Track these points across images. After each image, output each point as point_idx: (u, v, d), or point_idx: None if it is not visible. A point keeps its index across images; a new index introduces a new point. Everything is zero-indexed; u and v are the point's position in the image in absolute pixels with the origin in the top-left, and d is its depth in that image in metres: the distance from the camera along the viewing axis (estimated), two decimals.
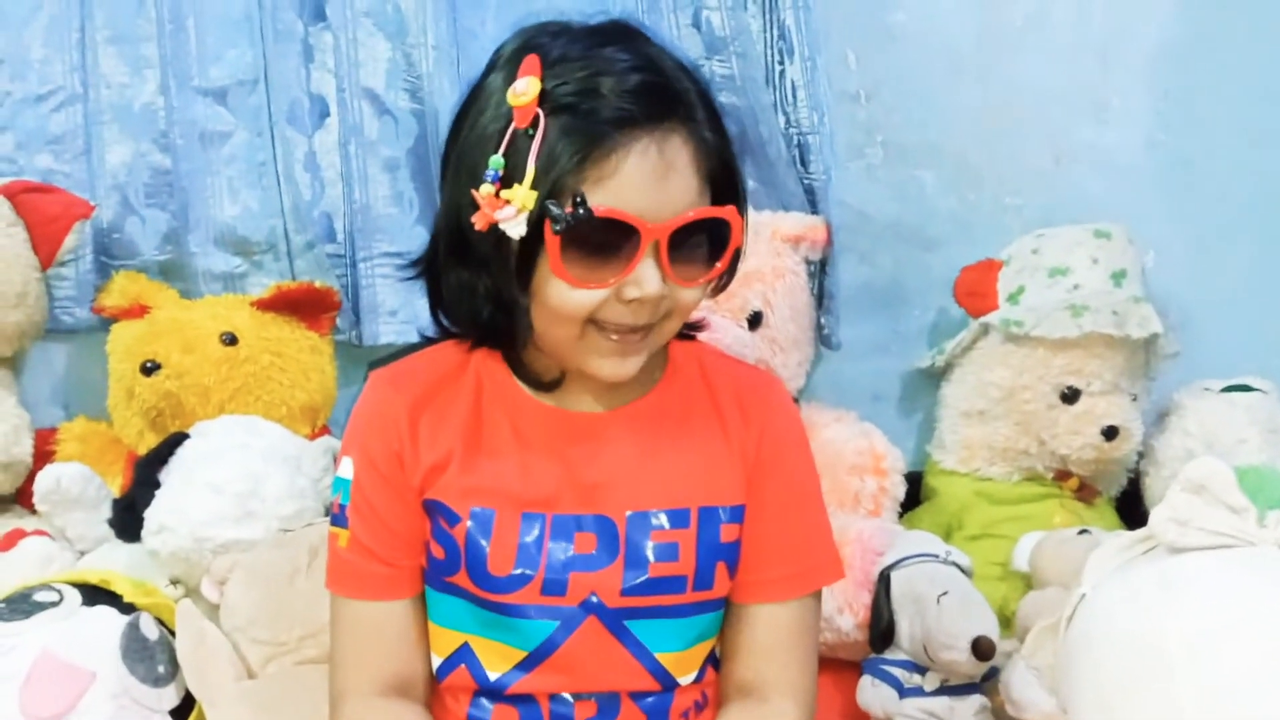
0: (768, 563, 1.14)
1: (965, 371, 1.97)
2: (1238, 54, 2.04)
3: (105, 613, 1.41)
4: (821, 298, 2.01)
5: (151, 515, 1.54)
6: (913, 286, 2.10)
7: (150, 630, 1.41)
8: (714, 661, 1.18)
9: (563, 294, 1.00)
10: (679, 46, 1.61)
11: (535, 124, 0.97)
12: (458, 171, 1.03)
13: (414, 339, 1.24)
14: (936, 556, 1.59)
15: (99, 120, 1.89)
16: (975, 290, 1.95)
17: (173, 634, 1.43)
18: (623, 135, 0.97)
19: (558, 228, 0.96)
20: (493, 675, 1.11)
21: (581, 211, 0.95)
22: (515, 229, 0.97)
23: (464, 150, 1.03)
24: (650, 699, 1.13)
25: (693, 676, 1.14)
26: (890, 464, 1.85)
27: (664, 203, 0.98)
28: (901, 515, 1.91)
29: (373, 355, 1.86)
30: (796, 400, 1.92)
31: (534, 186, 0.96)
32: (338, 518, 1.13)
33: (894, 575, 1.57)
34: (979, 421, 1.95)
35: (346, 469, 1.12)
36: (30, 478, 1.69)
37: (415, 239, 1.91)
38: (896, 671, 1.54)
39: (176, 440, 1.62)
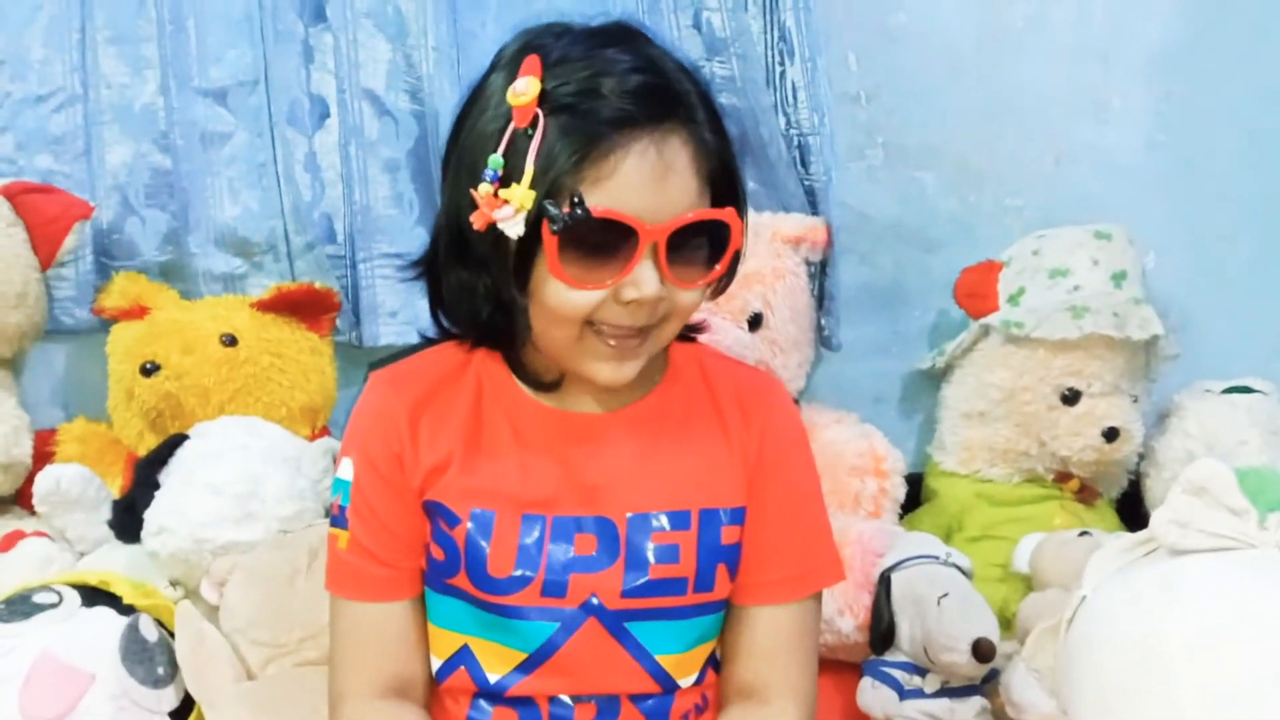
0: (768, 565, 1.14)
1: (966, 373, 1.97)
2: (1238, 55, 2.04)
3: (105, 614, 1.41)
4: (822, 299, 2.00)
5: (151, 516, 1.54)
6: (913, 288, 2.10)
7: (150, 632, 1.41)
8: (714, 664, 1.18)
9: (560, 294, 1.00)
10: (680, 48, 1.62)
11: (534, 124, 0.97)
12: (458, 171, 1.03)
13: (414, 340, 1.24)
14: (937, 558, 1.59)
15: (99, 121, 1.89)
16: (976, 291, 1.95)
17: (172, 635, 1.43)
18: (622, 136, 0.97)
19: (555, 228, 0.96)
20: (492, 677, 1.11)
21: (579, 212, 0.95)
22: (513, 229, 0.97)
23: (464, 150, 1.03)
24: (650, 701, 1.13)
25: (693, 679, 1.14)
26: (890, 465, 1.85)
27: (663, 204, 0.98)
28: (902, 517, 1.91)
29: (373, 356, 1.86)
30: (797, 401, 1.92)
31: (532, 186, 0.96)
32: (337, 519, 1.13)
33: (894, 577, 1.57)
34: (979, 423, 1.95)
35: (346, 470, 1.12)
36: (30, 479, 1.69)
37: (415, 240, 1.90)
38: (897, 673, 1.53)
39: (176, 441, 1.62)
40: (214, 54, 1.88)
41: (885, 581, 1.58)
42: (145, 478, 1.58)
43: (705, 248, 1.03)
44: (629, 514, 1.10)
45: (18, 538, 1.64)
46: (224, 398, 1.77)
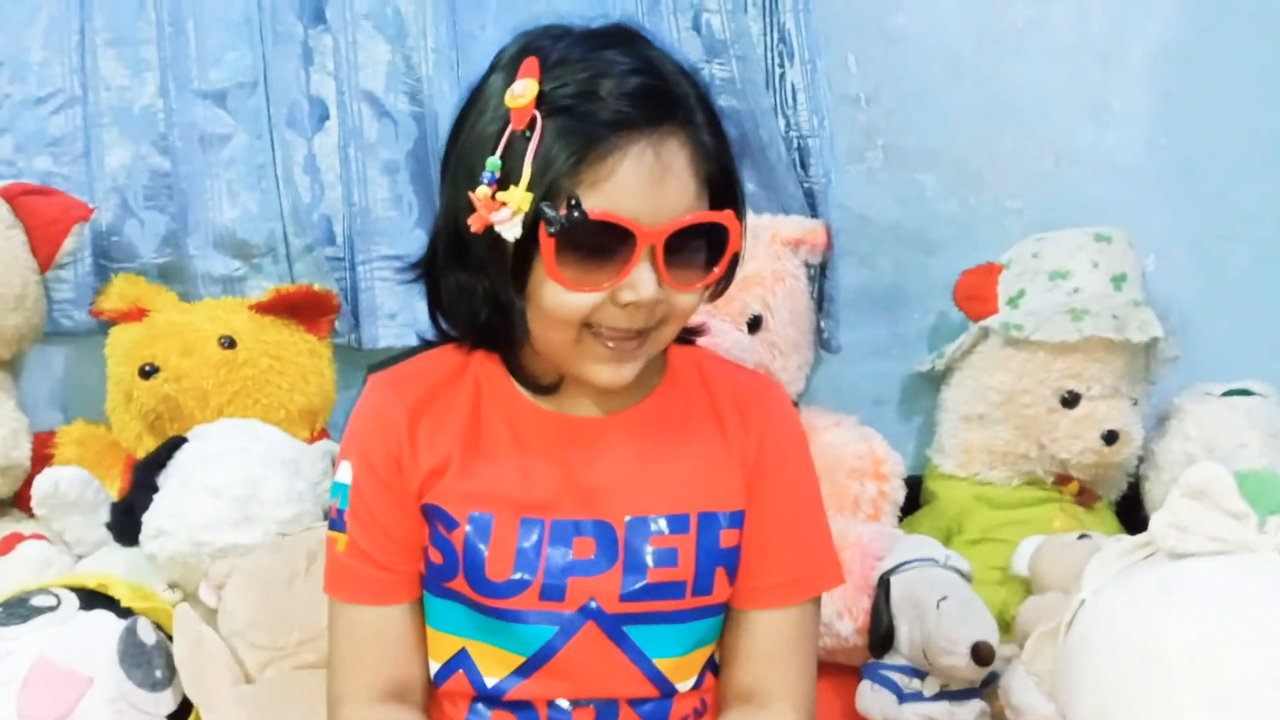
0: (768, 568, 1.14)
1: (965, 375, 1.96)
2: (1238, 56, 2.04)
3: (103, 617, 1.41)
4: (821, 301, 2.00)
5: (149, 519, 1.53)
6: (913, 290, 2.09)
7: (148, 635, 1.41)
8: (713, 667, 1.18)
9: (557, 297, 1.00)
10: (679, 50, 1.62)
11: (532, 126, 0.97)
12: (456, 173, 1.03)
13: (413, 342, 1.24)
14: (936, 561, 1.59)
15: (98, 123, 1.89)
16: (975, 294, 1.95)
17: (170, 638, 1.43)
18: (619, 138, 0.96)
19: (552, 230, 0.96)
20: (490, 681, 1.11)
21: (576, 214, 0.95)
22: (510, 231, 0.97)
23: (462, 152, 1.03)
24: (649, 705, 1.12)
25: (691, 683, 1.14)
26: (890, 468, 1.85)
27: (660, 206, 0.98)
28: (901, 519, 1.91)
29: (372, 358, 1.85)
30: (796, 404, 1.92)
31: (529, 188, 0.96)
32: (336, 522, 1.12)
33: (893, 580, 1.57)
34: (979, 425, 1.95)
35: (345, 473, 1.12)
36: (28, 481, 1.69)
37: (414, 242, 1.90)
38: (896, 676, 1.53)
39: (175, 444, 1.61)
40: (213, 56, 1.89)
41: (884, 584, 1.57)
42: (144, 480, 1.58)
43: (703, 250, 1.03)
44: (627, 517, 1.10)
45: (16, 540, 1.64)
46: (223, 400, 1.77)
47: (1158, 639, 1.10)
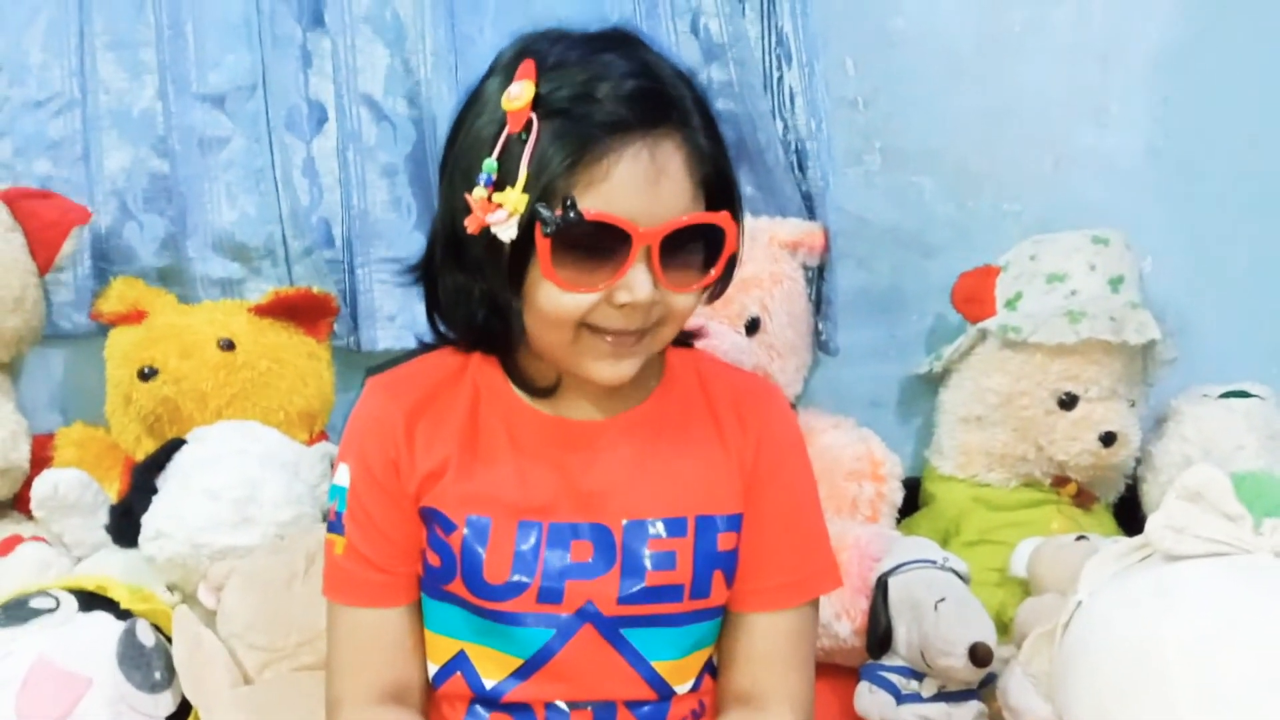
0: (766, 571, 1.14)
1: (963, 377, 1.97)
2: (1237, 59, 2.04)
3: (102, 619, 1.41)
4: (819, 303, 2.01)
5: (148, 521, 1.54)
6: (911, 292, 2.10)
7: (147, 636, 1.41)
8: (711, 670, 1.18)
9: (553, 297, 1.00)
10: (677, 53, 1.62)
11: (528, 128, 0.97)
12: (453, 175, 1.04)
13: (412, 344, 1.24)
14: (934, 562, 1.59)
15: (97, 126, 1.89)
16: (973, 296, 1.95)
17: (169, 640, 1.43)
18: (615, 140, 0.97)
19: (547, 230, 0.96)
20: (488, 683, 1.11)
21: (572, 214, 0.96)
22: (506, 232, 0.98)
23: (459, 154, 1.03)
24: (647, 708, 1.13)
25: (689, 685, 1.14)
26: (888, 470, 1.85)
27: (656, 207, 0.98)
28: (899, 521, 1.91)
29: (370, 361, 1.85)
30: (794, 406, 1.92)
31: (525, 190, 0.96)
32: (334, 525, 1.13)
33: (891, 581, 1.57)
34: (977, 427, 1.95)
35: (343, 476, 1.12)
36: (27, 483, 1.69)
37: (413, 244, 1.90)
38: (894, 678, 1.53)
39: (174, 446, 1.62)
40: (212, 59, 1.89)
41: (882, 586, 1.57)
42: (143, 482, 1.58)
43: (700, 252, 1.03)
44: (625, 520, 1.10)
45: (15, 542, 1.64)
46: (221, 402, 1.77)
47: (1154, 640, 1.10)
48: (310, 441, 1.79)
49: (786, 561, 1.15)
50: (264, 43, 1.88)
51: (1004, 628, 1.60)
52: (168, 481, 1.58)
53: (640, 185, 0.97)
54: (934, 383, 2.05)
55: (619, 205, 0.97)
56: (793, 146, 1.96)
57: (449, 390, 1.13)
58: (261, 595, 1.46)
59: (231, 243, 1.91)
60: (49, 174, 1.89)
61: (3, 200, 1.80)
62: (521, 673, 1.10)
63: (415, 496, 1.10)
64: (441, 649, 1.13)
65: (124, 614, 1.42)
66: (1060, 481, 1.94)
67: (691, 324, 1.14)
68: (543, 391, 1.12)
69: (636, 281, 0.99)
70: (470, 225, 0.99)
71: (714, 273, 1.04)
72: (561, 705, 1.11)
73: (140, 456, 1.72)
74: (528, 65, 0.99)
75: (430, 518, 1.10)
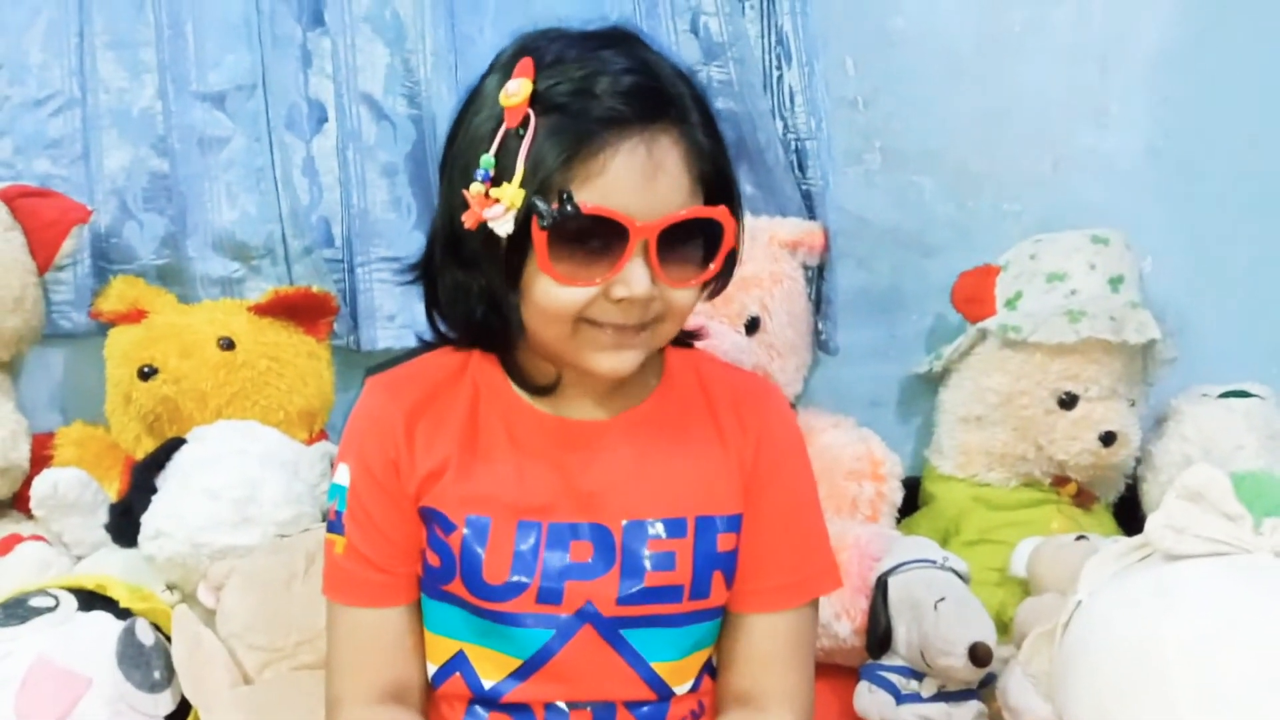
0: (765, 572, 1.14)
1: (963, 377, 1.97)
2: (1237, 60, 2.04)
3: (101, 618, 1.41)
4: (819, 303, 2.01)
5: (148, 520, 1.53)
6: (911, 292, 2.10)
7: (146, 636, 1.41)
8: (710, 670, 1.18)
9: (550, 292, 1.00)
10: (677, 52, 1.62)
11: (526, 124, 0.97)
12: (452, 172, 1.04)
13: (412, 344, 1.24)
14: (934, 562, 1.59)
15: (97, 125, 1.89)
16: (973, 296, 1.95)
17: (169, 639, 1.43)
18: (611, 134, 0.97)
19: (544, 224, 0.96)
20: (488, 684, 1.11)
21: (568, 208, 0.96)
22: (503, 227, 0.98)
23: (458, 151, 1.04)
24: (646, 708, 1.12)
25: (689, 686, 1.14)
26: (888, 469, 1.85)
27: (653, 202, 0.98)
28: (899, 521, 1.91)
29: (370, 360, 1.85)
30: (794, 405, 1.92)
31: (522, 185, 0.97)
32: (334, 525, 1.12)
33: (891, 581, 1.57)
34: (977, 427, 1.95)
35: (343, 476, 1.12)
36: (27, 483, 1.69)
37: (413, 244, 1.90)
38: (893, 678, 1.53)
39: (173, 445, 1.62)
40: (212, 58, 1.89)
41: (882, 586, 1.57)
42: (142, 482, 1.58)
43: (698, 248, 1.03)
44: (625, 521, 1.10)
45: (15, 541, 1.64)
46: (221, 401, 1.77)
47: (1154, 640, 1.10)
48: (310, 441, 1.79)
49: (786, 562, 1.15)
50: (264, 42, 1.88)
51: (1004, 627, 1.60)
52: (167, 481, 1.58)
53: (637, 180, 0.97)
54: (934, 382, 2.05)
55: (616, 199, 0.97)
56: (792, 146, 1.96)
57: (449, 390, 1.13)
58: (261, 595, 1.46)
59: (231, 242, 1.91)
60: (49, 173, 1.89)
61: (2, 199, 1.79)
62: (521, 673, 1.10)
63: (415, 496, 1.10)
64: (441, 649, 1.13)
65: (124, 613, 1.42)
66: (1060, 481, 1.94)
67: (691, 324, 1.13)
68: (542, 390, 1.11)
69: (634, 276, 0.99)
70: (468, 220, 0.99)
71: (713, 268, 1.04)
72: (561, 705, 1.11)
73: (140, 456, 1.72)
74: (526, 62, 0.99)
75: (430, 518, 1.10)
